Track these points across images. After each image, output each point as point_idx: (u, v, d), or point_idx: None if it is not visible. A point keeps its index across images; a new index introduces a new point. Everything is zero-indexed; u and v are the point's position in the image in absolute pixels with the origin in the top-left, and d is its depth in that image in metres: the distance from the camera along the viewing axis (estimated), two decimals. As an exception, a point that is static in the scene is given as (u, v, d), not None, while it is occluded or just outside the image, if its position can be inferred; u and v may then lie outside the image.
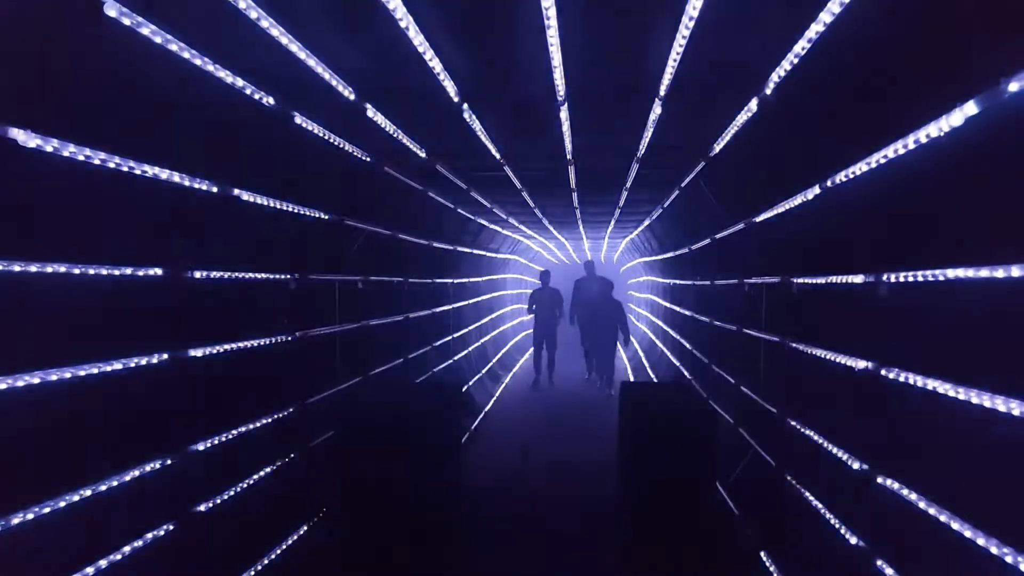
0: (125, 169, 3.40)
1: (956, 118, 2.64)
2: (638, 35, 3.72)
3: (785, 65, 3.61)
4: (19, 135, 2.75)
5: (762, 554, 4.94)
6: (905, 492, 3.40)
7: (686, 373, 10.55)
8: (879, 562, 3.63)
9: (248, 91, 4.03)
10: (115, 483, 3.48)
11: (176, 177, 3.83)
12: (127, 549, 3.56)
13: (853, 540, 3.95)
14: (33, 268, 2.97)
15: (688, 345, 10.66)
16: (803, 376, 5.13)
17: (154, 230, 3.89)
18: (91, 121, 3.17)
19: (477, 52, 4.12)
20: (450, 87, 4.45)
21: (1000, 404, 2.65)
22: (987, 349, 2.86)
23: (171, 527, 3.92)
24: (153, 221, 3.86)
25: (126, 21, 3.02)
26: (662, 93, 4.31)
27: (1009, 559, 2.58)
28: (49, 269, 3.06)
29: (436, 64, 4.04)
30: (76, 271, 3.23)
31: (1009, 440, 2.65)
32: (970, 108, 2.51)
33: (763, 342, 6.15)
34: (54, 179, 3.05)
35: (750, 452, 6.21)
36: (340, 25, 3.79)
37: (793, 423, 5.09)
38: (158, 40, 3.20)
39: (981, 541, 2.75)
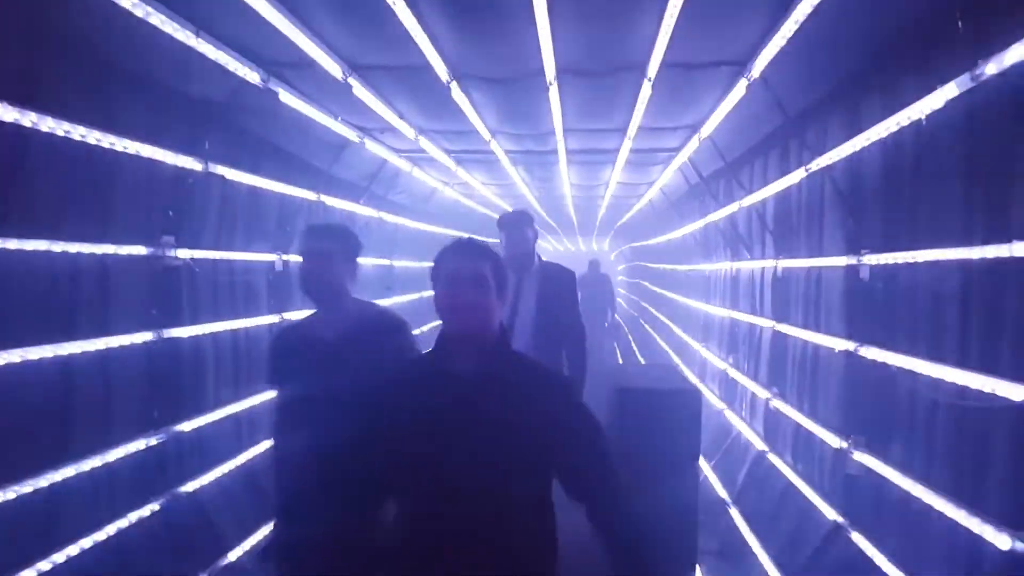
0: (106, 145, 3.34)
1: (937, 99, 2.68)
2: (627, 14, 3.73)
3: (772, 49, 3.64)
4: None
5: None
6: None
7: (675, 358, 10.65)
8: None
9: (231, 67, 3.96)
10: (99, 462, 3.46)
11: (158, 154, 3.76)
12: (112, 529, 3.55)
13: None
14: (11, 244, 2.92)
15: (679, 330, 10.75)
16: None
17: (137, 207, 3.85)
18: (68, 96, 3.12)
19: (466, 30, 4.11)
20: (439, 65, 4.44)
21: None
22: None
23: (156, 507, 3.92)
24: (135, 198, 3.82)
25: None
26: (651, 73, 4.33)
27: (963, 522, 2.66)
28: (29, 246, 3.01)
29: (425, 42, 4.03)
30: (57, 248, 3.17)
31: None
32: (950, 90, 2.56)
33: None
34: (30, 153, 3.00)
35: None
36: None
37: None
38: (139, 13, 3.08)
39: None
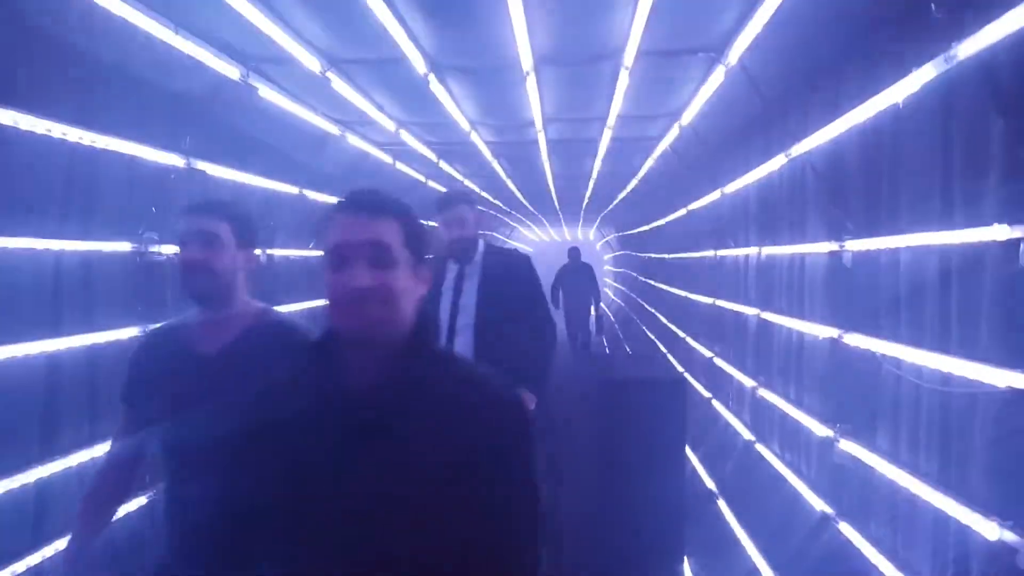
0: (87, 143, 3.34)
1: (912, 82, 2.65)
2: (602, 1, 3.68)
3: (748, 35, 3.59)
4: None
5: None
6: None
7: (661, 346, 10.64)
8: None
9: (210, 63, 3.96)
10: (86, 457, 3.45)
11: (140, 150, 3.76)
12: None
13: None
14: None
15: (663, 319, 10.74)
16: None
17: (119, 204, 3.81)
18: (49, 94, 3.10)
19: (441, 21, 4.06)
20: (415, 57, 4.39)
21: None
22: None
23: (144, 500, 3.86)
24: (118, 195, 3.79)
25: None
26: (628, 61, 4.28)
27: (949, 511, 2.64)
28: (13, 244, 3.01)
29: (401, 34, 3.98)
30: (40, 245, 3.18)
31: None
32: (926, 72, 2.52)
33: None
34: (11, 151, 2.99)
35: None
36: None
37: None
38: (117, 10, 3.11)
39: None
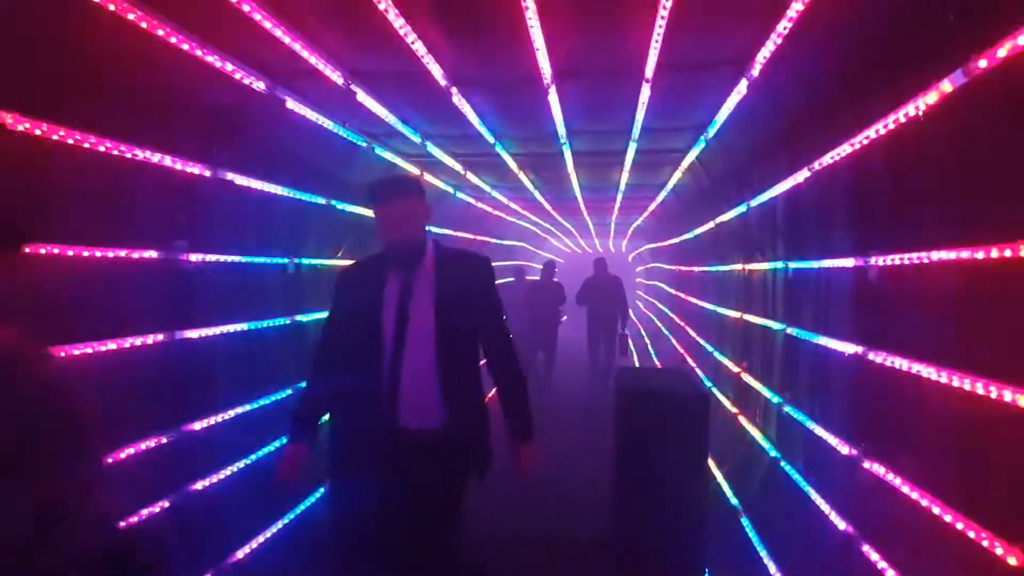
0: (116, 153, 3.44)
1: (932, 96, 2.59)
2: (620, 15, 3.67)
3: (769, 46, 3.55)
4: (7, 118, 2.79)
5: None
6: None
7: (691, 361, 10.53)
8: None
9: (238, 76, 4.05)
10: (110, 460, 3.50)
11: (169, 161, 3.86)
12: (121, 525, 3.60)
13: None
14: (40, 251, 3.06)
15: (694, 334, 10.62)
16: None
17: (150, 213, 3.92)
18: (81, 106, 3.20)
19: (461, 35, 4.09)
20: (437, 71, 4.43)
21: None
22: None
23: (166, 504, 3.94)
24: (149, 204, 3.90)
25: (112, 7, 3.01)
26: (648, 74, 4.26)
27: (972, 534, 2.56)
28: (42, 251, 3.11)
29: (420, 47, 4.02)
30: (69, 253, 3.28)
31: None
32: (945, 86, 2.46)
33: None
34: (52, 164, 3.11)
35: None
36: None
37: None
38: (146, 27, 3.20)
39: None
